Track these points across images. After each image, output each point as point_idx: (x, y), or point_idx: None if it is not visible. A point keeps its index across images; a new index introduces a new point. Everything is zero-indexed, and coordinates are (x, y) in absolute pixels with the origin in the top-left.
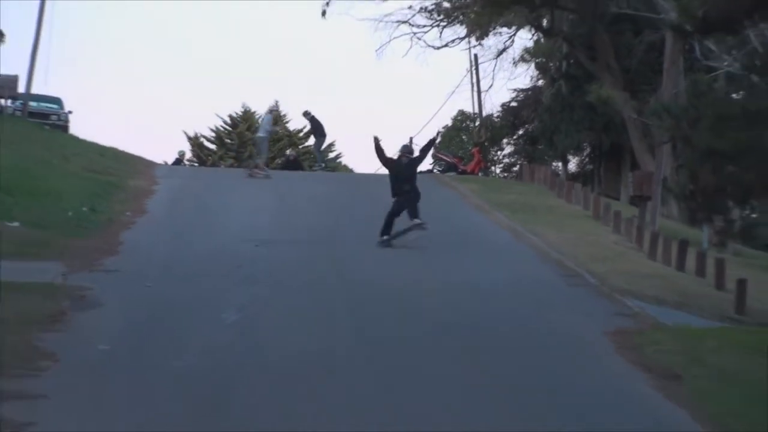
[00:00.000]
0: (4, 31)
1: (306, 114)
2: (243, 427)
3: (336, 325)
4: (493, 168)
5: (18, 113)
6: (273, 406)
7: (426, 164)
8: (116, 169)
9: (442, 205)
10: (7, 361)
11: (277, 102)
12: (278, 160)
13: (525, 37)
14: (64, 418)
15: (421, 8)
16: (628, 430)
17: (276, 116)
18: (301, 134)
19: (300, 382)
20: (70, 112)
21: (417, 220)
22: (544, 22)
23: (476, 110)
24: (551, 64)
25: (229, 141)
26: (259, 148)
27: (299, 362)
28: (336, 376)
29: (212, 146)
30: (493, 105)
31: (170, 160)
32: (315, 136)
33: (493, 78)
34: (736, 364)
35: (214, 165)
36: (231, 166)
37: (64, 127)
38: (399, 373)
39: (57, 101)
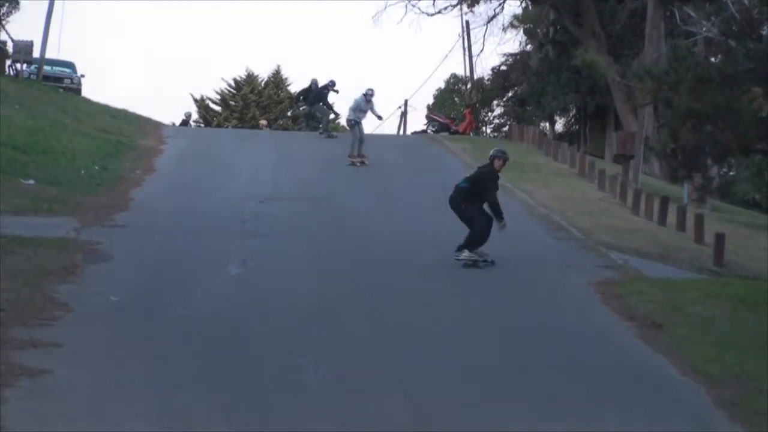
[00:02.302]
0: None
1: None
2: (245, 371)
3: (335, 275)
4: (483, 128)
5: (33, 77)
6: (274, 350)
7: (419, 125)
8: (126, 130)
9: (434, 164)
10: (23, 311)
11: (279, 66)
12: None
13: (514, 5)
14: (78, 365)
15: None
16: (610, 375)
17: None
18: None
19: (300, 329)
20: (82, 75)
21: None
22: None
23: (468, 74)
24: (539, 30)
25: (233, 103)
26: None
27: (300, 310)
28: (334, 322)
29: (217, 108)
30: (483, 69)
31: (177, 122)
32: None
33: (483, 43)
34: (714, 314)
35: (219, 126)
36: (235, 127)
37: (77, 90)
38: (395, 319)
39: (70, 65)
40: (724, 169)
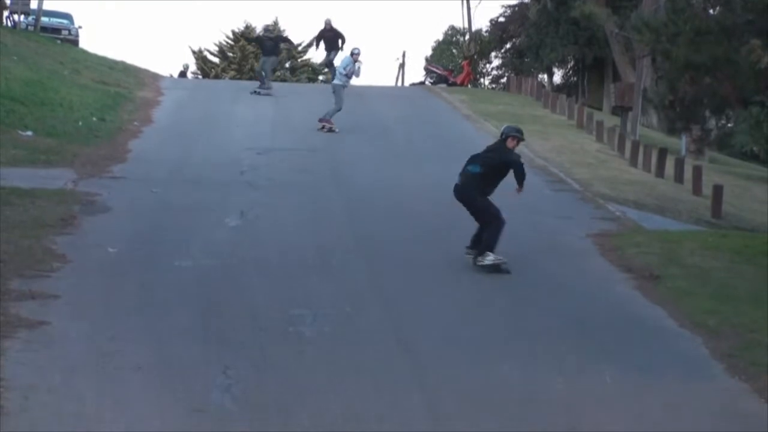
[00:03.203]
0: None
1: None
2: (243, 323)
3: (332, 226)
4: (481, 80)
5: (30, 28)
6: (272, 302)
7: (418, 76)
8: (124, 81)
9: (432, 115)
10: (21, 263)
11: (276, 19)
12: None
13: None
14: (76, 316)
15: None
16: (608, 326)
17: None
18: (300, 48)
19: (298, 279)
20: (80, 27)
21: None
22: None
23: (466, 25)
24: None
25: (231, 54)
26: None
27: (297, 261)
28: (332, 273)
29: (215, 59)
30: (482, 20)
31: (175, 73)
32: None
33: None
34: (712, 266)
35: (217, 77)
36: (233, 78)
37: (75, 42)
38: (393, 270)
39: (67, 17)
40: (722, 121)
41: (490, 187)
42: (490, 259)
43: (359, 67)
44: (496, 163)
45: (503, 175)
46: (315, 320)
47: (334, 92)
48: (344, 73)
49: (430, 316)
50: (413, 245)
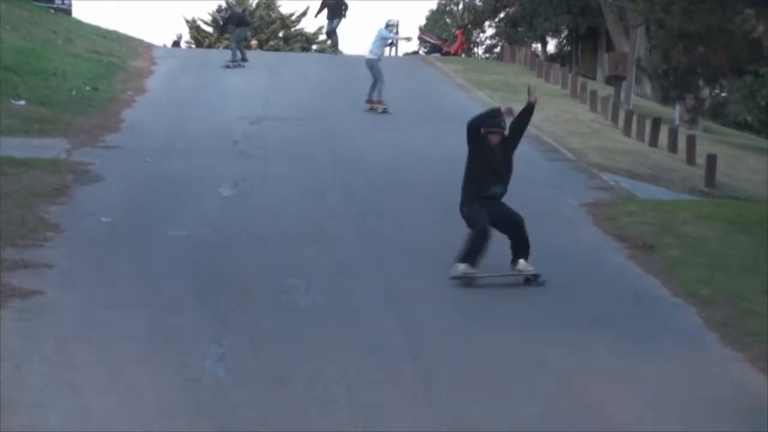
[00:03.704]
0: None
1: None
2: (236, 292)
3: (326, 196)
4: (475, 49)
5: None
6: (266, 272)
7: (411, 46)
8: (118, 51)
9: (426, 85)
10: (14, 232)
11: None
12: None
13: None
14: (69, 286)
15: None
16: (601, 295)
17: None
18: (293, 17)
19: (292, 251)
20: None
21: (530, 268)
22: None
23: None
24: None
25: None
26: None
27: (291, 230)
28: (326, 243)
29: (209, 29)
30: None
31: (169, 43)
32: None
33: None
34: (705, 235)
35: (210, 47)
36: (227, 47)
37: (68, 11)
38: (387, 241)
39: None
40: (716, 91)
41: (469, 186)
42: (460, 269)
43: (397, 40)
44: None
45: (473, 158)
46: (308, 290)
47: (370, 68)
48: (387, 40)
49: (424, 286)
50: (407, 214)
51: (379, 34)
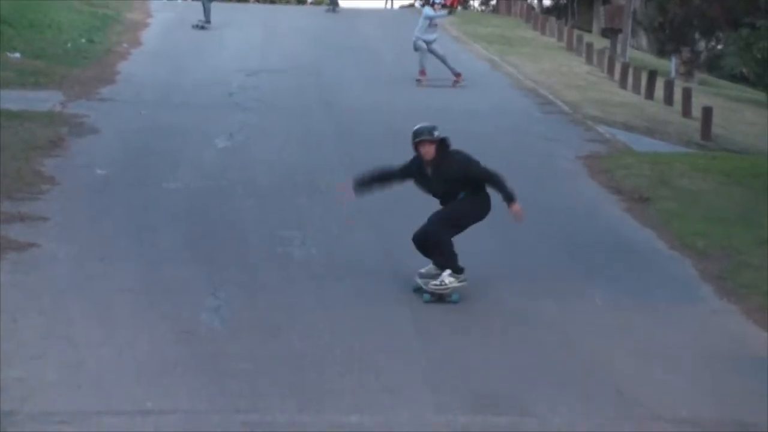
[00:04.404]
0: None
1: None
2: (232, 245)
3: (321, 148)
4: (471, 2)
5: None
6: (261, 224)
7: None
8: (113, 3)
9: None
10: (10, 185)
11: None
12: None
13: None
14: (65, 239)
15: None
16: (598, 249)
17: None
18: None
19: (287, 201)
20: None
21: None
22: None
23: None
24: None
25: None
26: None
27: (286, 183)
28: (321, 196)
29: None
30: None
31: None
32: None
33: None
34: (701, 188)
35: None
36: None
37: None
38: (381, 194)
39: None
40: (712, 43)
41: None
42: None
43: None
44: None
45: None
46: (303, 242)
47: (416, 50)
48: (432, 20)
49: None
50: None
51: (425, 14)
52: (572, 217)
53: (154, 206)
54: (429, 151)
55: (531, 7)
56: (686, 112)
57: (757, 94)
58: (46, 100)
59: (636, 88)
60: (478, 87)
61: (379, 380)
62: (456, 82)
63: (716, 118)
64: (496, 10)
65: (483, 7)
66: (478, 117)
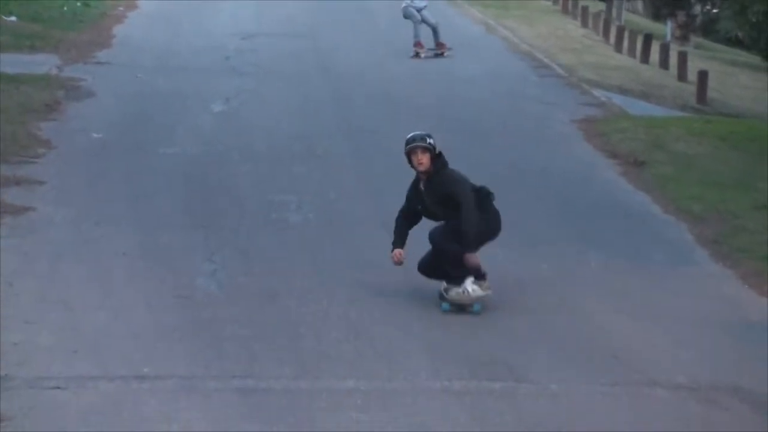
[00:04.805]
0: None
1: None
2: (228, 209)
3: (318, 113)
4: None
5: None
6: (257, 189)
7: None
8: None
9: None
10: (6, 148)
11: None
12: None
13: None
14: (61, 202)
15: None
16: (593, 212)
17: None
18: None
19: (283, 166)
20: None
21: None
22: None
23: None
24: None
25: None
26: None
27: (282, 148)
28: (317, 160)
29: None
30: None
31: None
32: None
33: None
34: (697, 152)
35: None
36: None
37: None
38: (377, 159)
39: None
40: (707, 7)
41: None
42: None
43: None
44: None
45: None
46: (300, 207)
47: (406, 17)
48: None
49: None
50: (398, 132)
51: None
52: (567, 180)
53: (151, 171)
54: (423, 160)
55: None
56: (681, 76)
57: (752, 58)
58: (42, 63)
59: (631, 52)
60: (474, 51)
61: (375, 346)
62: (440, 53)
63: (712, 82)
64: None
65: None
66: (474, 82)
